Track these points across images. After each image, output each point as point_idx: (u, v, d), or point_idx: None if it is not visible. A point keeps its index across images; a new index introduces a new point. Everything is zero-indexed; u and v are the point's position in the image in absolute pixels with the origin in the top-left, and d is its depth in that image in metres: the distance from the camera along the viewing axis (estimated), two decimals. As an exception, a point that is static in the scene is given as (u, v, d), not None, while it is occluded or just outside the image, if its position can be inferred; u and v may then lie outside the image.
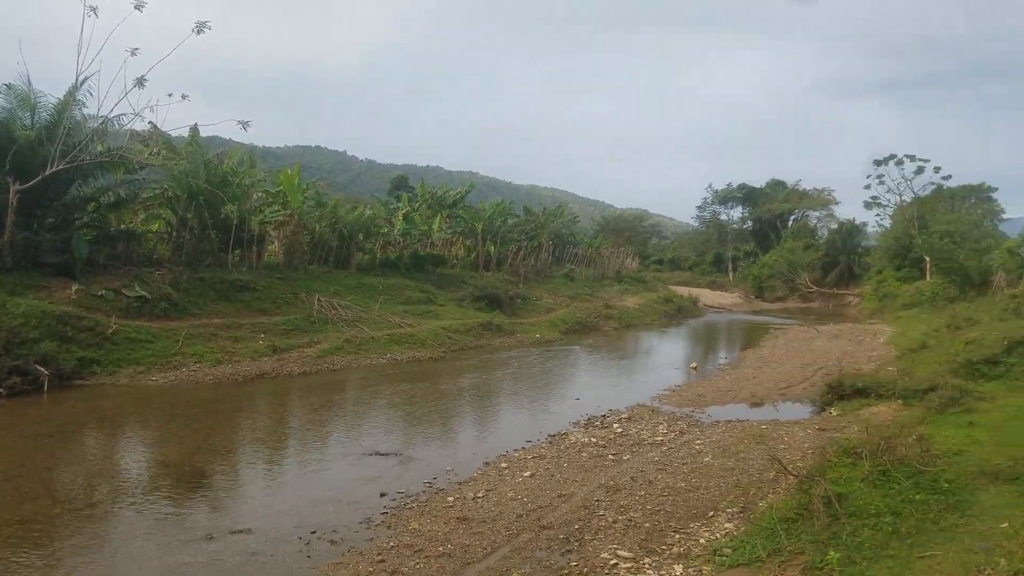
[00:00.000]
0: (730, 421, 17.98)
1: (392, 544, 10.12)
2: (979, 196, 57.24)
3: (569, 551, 10.24)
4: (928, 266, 47.02)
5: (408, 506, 11.89)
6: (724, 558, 9.86)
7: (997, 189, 58.89)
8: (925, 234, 46.06)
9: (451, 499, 12.23)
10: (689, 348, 37.66)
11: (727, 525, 11.23)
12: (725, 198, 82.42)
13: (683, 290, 57.26)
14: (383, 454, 14.93)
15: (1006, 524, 9.17)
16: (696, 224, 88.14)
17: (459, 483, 13.24)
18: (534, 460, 14.67)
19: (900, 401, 16.93)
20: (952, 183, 56.73)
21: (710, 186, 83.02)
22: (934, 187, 57.16)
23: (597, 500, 12.34)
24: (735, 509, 11.88)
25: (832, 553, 9.27)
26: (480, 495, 12.45)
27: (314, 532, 10.50)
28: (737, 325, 47.04)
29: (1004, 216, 57.39)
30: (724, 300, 61.20)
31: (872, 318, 45.83)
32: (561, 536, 10.75)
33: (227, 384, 21.20)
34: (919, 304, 43.04)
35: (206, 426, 16.86)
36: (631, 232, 79.76)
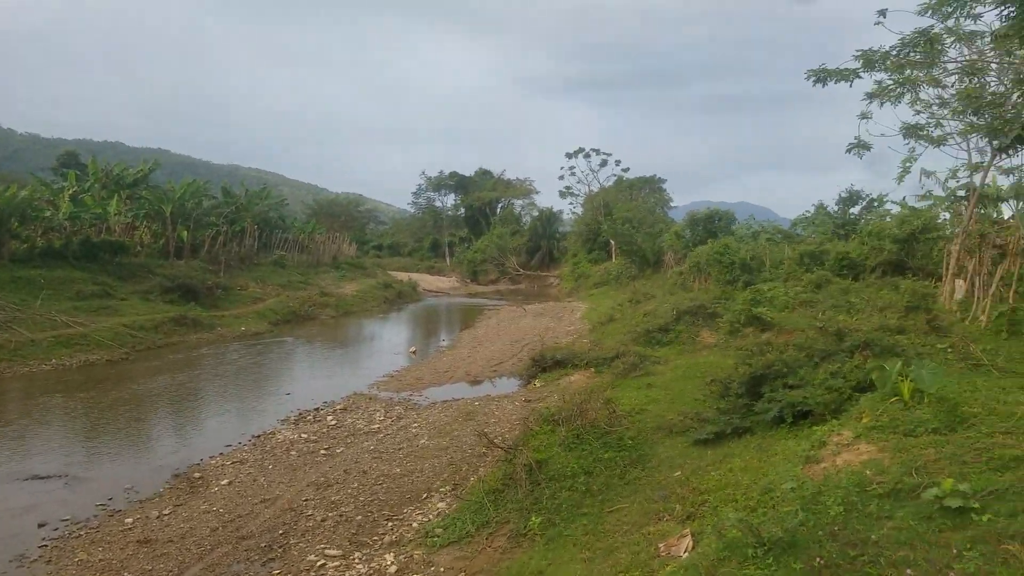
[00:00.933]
0: (447, 401, 18.17)
1: (50, 582, 8.36)
2: (652, 186, 66.64)
3: (271, 559, 9.46)
4: (614, 248, 53.28)
5: (75, 535, 10.14)
6: (435, 539, 9.77)
7: (666, 180, 69.31)
8: (610, 220, 52.10)
9: (129, 521, 10.63)
10: (409, 332, 37.85)
11: (440, 505, 11.19)
12: (438, 185, 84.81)
13: (403, 275, 57.68)
14: (43, 477, 12.52)
15: (679, 473, 10.31)
16: (412, 210, 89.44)
17: (140, 502, 11.56)
18: (234, 466, 13.29)
19: (592, 369, 18.58)
20: (631, 175, 65.29)
21: (423, 173, 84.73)
22: (616, 178, 65.23)
23: (306, 500, 11.52)
24: (448, 488, 11.89)
25: (534, 518, 9.60)
26: (166, 512, 10.98)
27: (-61, 587, 8.26)
28: (455, 308, 48.60)
29: (672, 204, 67.53)
30: (442, 284, 63.05)
31: (570, 296, 50.59)
32: (263, 544, 9.91)
33: None
34: (608, 283, 48.50)
35: None
36: (347, 217, 78.17)
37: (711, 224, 38.64)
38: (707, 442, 10.76)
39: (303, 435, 15.18)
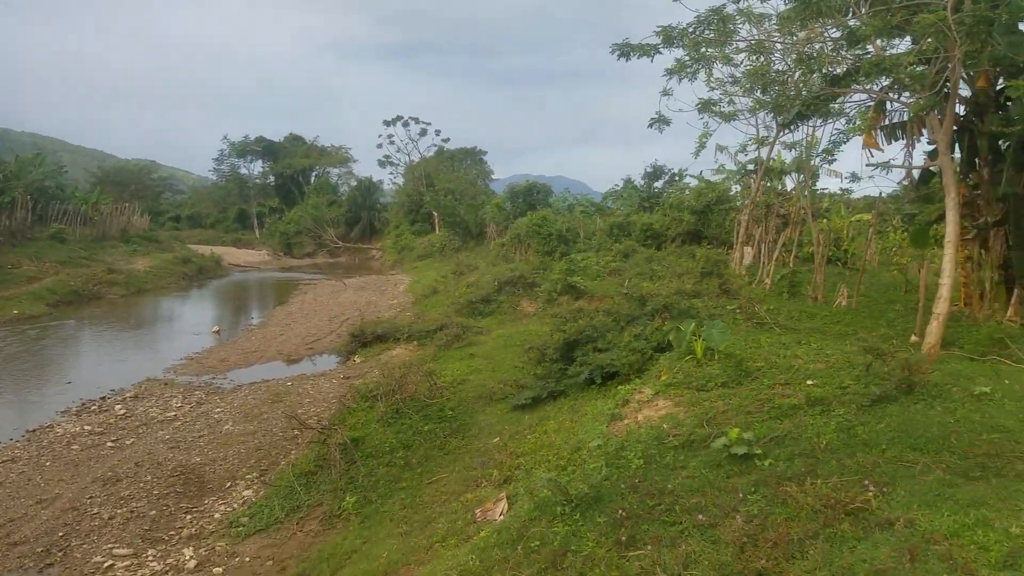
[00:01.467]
0: (255, 383, 17.00)
1: None
2: (473, 158, 67.02)
3: (50, 564, 8.45)
4: (437, 220, 53.05)
5: None
6: (240, 529, 9.14)
7: (487, 152, 69.94)
8: (432, 191, 51.75)
9: None
10: (213, 311, 35.05)
11: (246, 493, 10.47)
12: (244, 151, 78.56)
13: (205, 249, 53.20)
14: None
15: (497, 439, 10.44)
16: (215, 178, 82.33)
17: None
18: (3, 465, 11.57)
19: (415, 342, 18.33)
20: (452, 146, 65.07)
21: (226, 138, 78.02)
22: (437, 148, 64.65)
23: (90, 497, 10.26)
24: (255, 475, 11.16)
25: (348, 498, 9.24)
26: (-92, 531, 9.27)
27: None
28: (267, 283, 45.87)
29: (493, 176, 68.42)
30: (252, 258, 59.09)
31: (393, 269, 49.75)
32: (39, 550, 8.77)
33: None
34: (432, 254, 48.27)
35: None
36: (138, 185, 69.95)
37: (530, 197, 39.69)
38: (525, 407, 10.98)
39: (87, 427, 13.51)
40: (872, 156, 13.68)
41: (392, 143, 64.08)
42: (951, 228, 10.97)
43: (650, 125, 13.96)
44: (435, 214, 52.29)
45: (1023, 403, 6.25)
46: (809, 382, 7.25)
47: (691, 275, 16.70)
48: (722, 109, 13.56)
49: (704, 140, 18.86)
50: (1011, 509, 4.43)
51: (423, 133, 63.98)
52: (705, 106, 13.18)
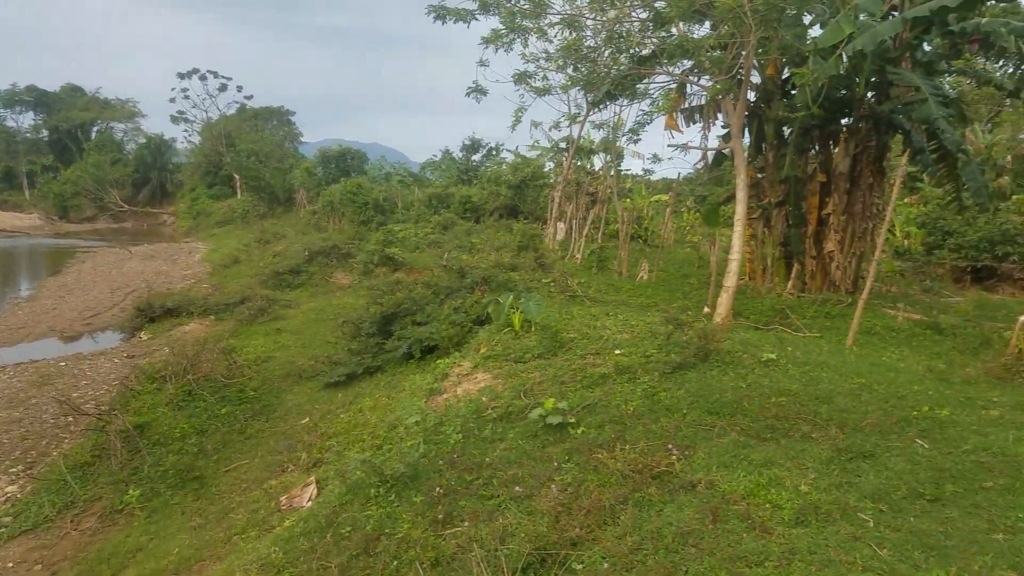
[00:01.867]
0: (21, 363, 14.65)
1: None
2: (280, 118, 62.87)
3: None
4: (239, 184, 49.20)
5: None
6: (3, 530, 7.82)
7: (295, 113, 65.85)
8: (234, 152, 47.86)
9: None
10: (-34, 282, 29.91)
11: (9, 489, 8.95)
12: (11, 101, 67.83)
13: (-43, 211, 45.24)
14: None
15: (307, 420, 9.81)
16: (-26, 131, 70.25)
17: None
18: None
19: (212, 317, 16.81)
20: (256, 104, 60.46)
21: (-11, 85, 66.73)
22: (239, 105, 59.75)
23: None
24: (20, 468, 9.58)
25: (132, 491, 8.18)
26: None
27: None
28: (38, 251, 40.07)
29: (303, 139, 64.66)
30: (20, 223, 51.28)
31: (188, 236, 45.56)
32: None
33: None
34: (233, 221, 44.69)
35: None
36: None
37: (344, 163, 38.11)
38: (338, 385, 10.43)
39: None
40: (673, 137, 14.59)
41: (187, 98, 58.07)
42: (740, 208, 11.97)
43: (467, 94, 13.77)
44: (236, 177, 48.48)
45: (804, 368, 6.91)
46: (617, 351, 7.50)
47: (508, 249, 16.88)
48: (536, 84, 13.72)
49: (520, 114, 19.04)
50: (799, 468, 4.82)
51: (223, 88, 58.71)
52: (520, 78, 13.22)
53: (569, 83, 13.02)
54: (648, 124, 15.81)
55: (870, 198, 13.64)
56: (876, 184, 13.54)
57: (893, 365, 7.82)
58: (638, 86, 14.14)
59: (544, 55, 12.92)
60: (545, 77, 13.40)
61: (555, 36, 12.26)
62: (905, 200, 25.08)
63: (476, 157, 40.11)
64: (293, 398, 10.64)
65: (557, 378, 6.98)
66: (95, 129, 68.60)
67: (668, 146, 23.90)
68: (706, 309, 12.24)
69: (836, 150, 13.59)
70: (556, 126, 20.40)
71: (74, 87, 70.13)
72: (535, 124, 28.11)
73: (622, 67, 13.05)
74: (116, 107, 69.18)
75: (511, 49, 11.96)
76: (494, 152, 39.50)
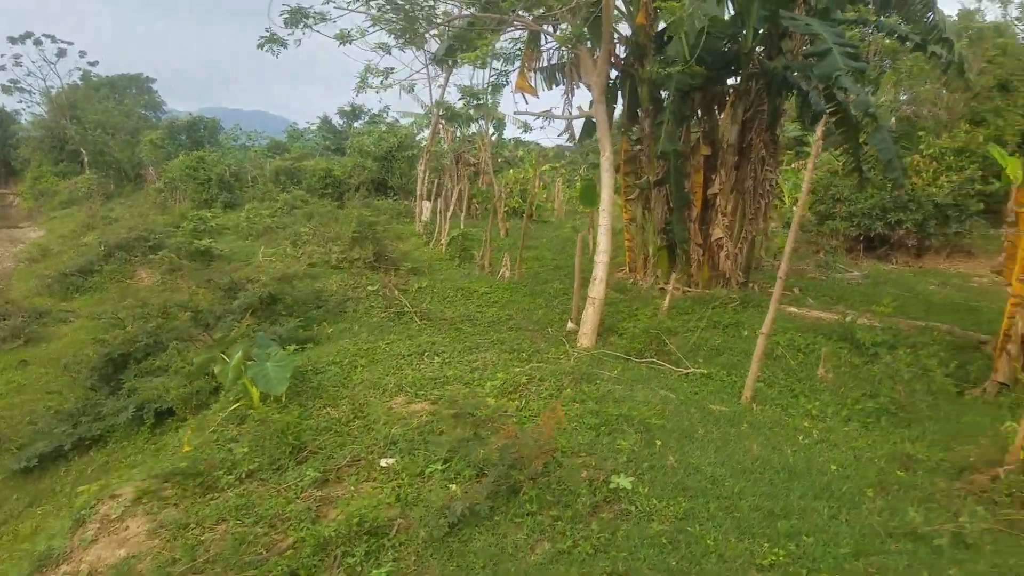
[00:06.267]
0: None
1: None
2: (139, 86, 56.18)
3: None
4: (86, 159, 43.30)
5: None
6: None
7: (156, 80, 59.14)
8: (79, 125, 41.88)
9: None
10: None
11: None
12: None
13: None
14: None
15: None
16: None
17: None
18: None
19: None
20: (111, 71, 53.67)
21: None
22: (81, 73, 52.77)
23: None
24: None
25: None
26: None
27: None
28: None
29: (166, 108, 58.15)
30: None
31: (27, 220, 39.66)
32: None
33: None
34: (78, 201, 39.12)
35: None
36: None
37: (195, 133, 33.43)
38: (30, 472, 7.18)
39: None
40: (527, 102, 11.82)
41: (19, 64, 50.53)
42: (605, 193, 9.37)
43: (260, 47, 10.52)
44: (84, 152, 42.67)
45: (677, 506, 4.16)
46: (384, 462, 4.74)
47: (343, 240, 13.77)
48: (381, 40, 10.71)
49: (365, 76, 15.79)
50: None
51: (62, 54, 51.34)
52: (343, 37, 10.08)
53: (379, 18, 9.87)
54: (504, 85, 12.98)
55: (762, 173, 11.34)
56: (769, 156, 11.23)
57: (832, 459, 5.15)
58: (483, 39, 11.19)
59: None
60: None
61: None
62: (792, 165, 23.46)
63: (358, 124, 36.37)
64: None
65: (244, 541, 4.05)
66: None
67: (516, 113, 20.98)
68: (570, 324, 9.66)
69: (722, 117, 11.16)
70: (410, 89, 17.13)
71: None
72: (406, 88, 24.75)
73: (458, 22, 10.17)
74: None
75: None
76: (377, 119, 35.83)
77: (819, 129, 6.25)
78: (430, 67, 17.79)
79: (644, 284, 12.34)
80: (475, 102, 16.09)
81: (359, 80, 16.17)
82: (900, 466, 4.94)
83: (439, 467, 4.69)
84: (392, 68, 11.17)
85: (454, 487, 4.44)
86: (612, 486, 4.43)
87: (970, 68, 18.86)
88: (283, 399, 5.95)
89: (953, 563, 3.62)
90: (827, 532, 3.95)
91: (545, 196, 27.19)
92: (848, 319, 8.92)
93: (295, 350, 7.83)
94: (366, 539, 4.04)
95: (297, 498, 4.62)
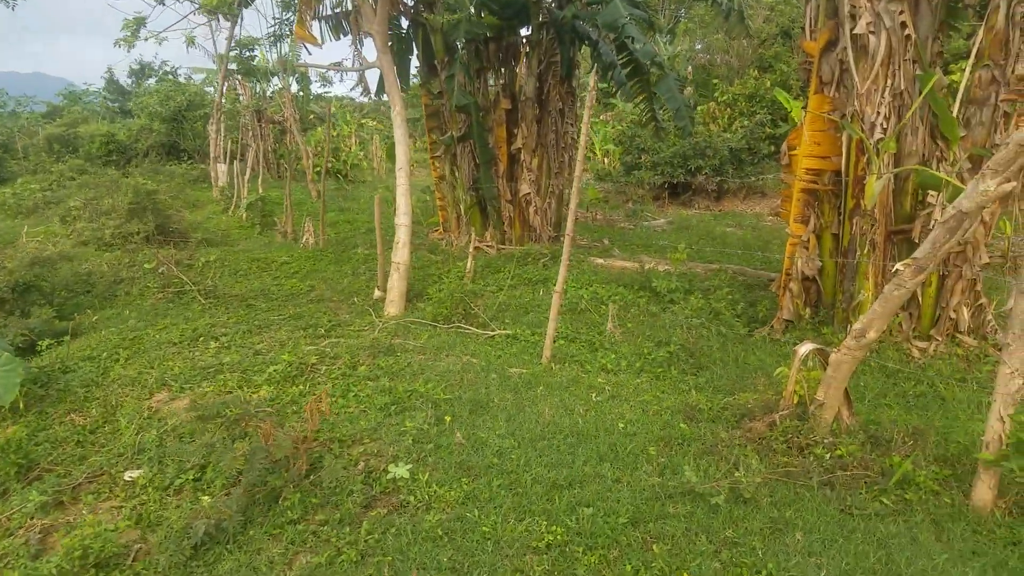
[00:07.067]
0: None
1: None
2: None
3: None
4: None
5: None
6: None
7: None
8: None
9: None
10: None
11: None
12: None
13: None
14: None
15: None
16: None
17: None
18: None
19: None
20: None
21: None
22: None
23: None
24: None
25: None
26: None
27: None
28: None
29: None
30: None
31: None
32: None
33: None
34: None
35: None
36: None
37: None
38: None
39: None
40: (310, 52, 10.90)
41: None
42: (400, 149, 8.83)
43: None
44: None
45: (456, 499, 3.77)
46: (128, 475, 4.06)
47: (118, 213, 12.14)
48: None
49: (133, 28, 13.85)
50: None
51: None
52: None
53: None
54: (287, 36, 11.88)
55: (563, 126, 11.32)
56: (567, 108, 11.21)
57: (620, 415, 5.06)
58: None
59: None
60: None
61: None
62: (600, 117, 24.18)
63: (151, 82, 32.65)
64: None
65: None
66: None
67: (299, 65, 19.72)
68: (377, 292, 9.11)
69: (519, 69, 10.94)
70: (192, 43, 15.36)
71: None
72: (191, 41, 22.31)
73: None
74: None
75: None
76: (169, 76, 32.34)
77: (592, 78, 6.09)
78: (212, 19, 16.10)
79: (458, 244, 12.05)
80: (247, 53, 14.70)
81: (129, 32, 14.25)
82: (684, 418, 4.99)
83: (190, 477, 4.07)
84: (143, 16, 9.77)
85: (206, 500, 3.86)
86: (389, 476, 4.06)
87: (751, 16, 20.14)
88: (22, 408, 5.02)
89: (729, 522, 3.63)
90: (608, 499, 3.84)
91: (362, 155, 26.06)
92: (646, 268, 9.14)
93: (48, 345, 6.72)
94: (93, 573, 3.38)
95: (20, 528, 3.84)
